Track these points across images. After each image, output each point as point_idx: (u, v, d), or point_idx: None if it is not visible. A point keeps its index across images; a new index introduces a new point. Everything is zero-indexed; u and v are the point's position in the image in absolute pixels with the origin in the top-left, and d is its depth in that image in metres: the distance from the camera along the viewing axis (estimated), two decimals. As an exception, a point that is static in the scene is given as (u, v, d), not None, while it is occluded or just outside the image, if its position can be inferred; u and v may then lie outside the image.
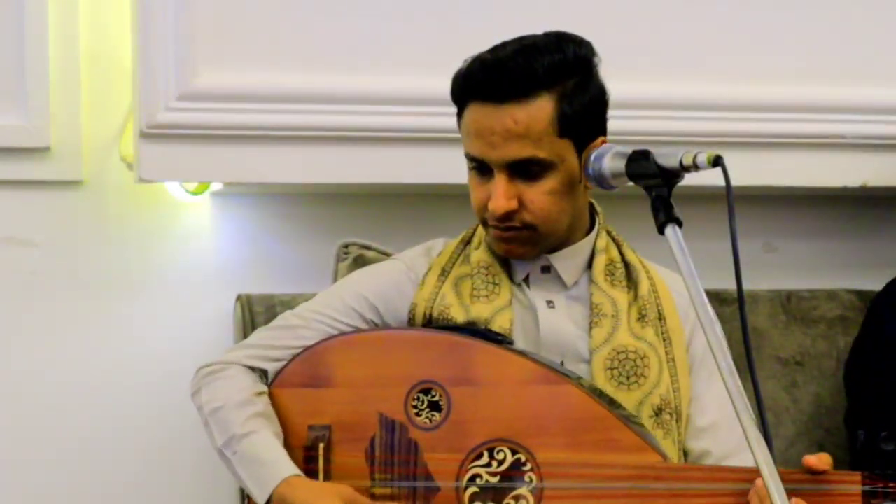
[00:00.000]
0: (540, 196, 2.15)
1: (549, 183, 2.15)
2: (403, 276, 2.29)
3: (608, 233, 2.29)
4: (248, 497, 2.16)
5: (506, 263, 2.26)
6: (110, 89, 2.79)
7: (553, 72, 2.13)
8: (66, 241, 2.80)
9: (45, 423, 2.78)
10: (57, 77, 2.74)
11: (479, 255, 2.26)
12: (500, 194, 2.14)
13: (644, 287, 2.25)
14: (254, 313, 2.72)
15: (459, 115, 2.21)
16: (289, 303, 2.71)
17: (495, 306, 2.21)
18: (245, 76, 2.68)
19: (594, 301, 2.22)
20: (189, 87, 2.65)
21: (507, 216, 2.15)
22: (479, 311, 2.20)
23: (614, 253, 2.27)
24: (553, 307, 2.23)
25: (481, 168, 2.18)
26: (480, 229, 2.29)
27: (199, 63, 2.66)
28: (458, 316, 2.20)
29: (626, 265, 2.27)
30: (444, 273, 2.27)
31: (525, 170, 2.14)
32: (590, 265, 2.26)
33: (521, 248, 2.20)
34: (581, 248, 2.25)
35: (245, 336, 2.67)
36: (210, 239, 2.86)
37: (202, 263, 2.85)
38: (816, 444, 2.84)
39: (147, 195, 2.80)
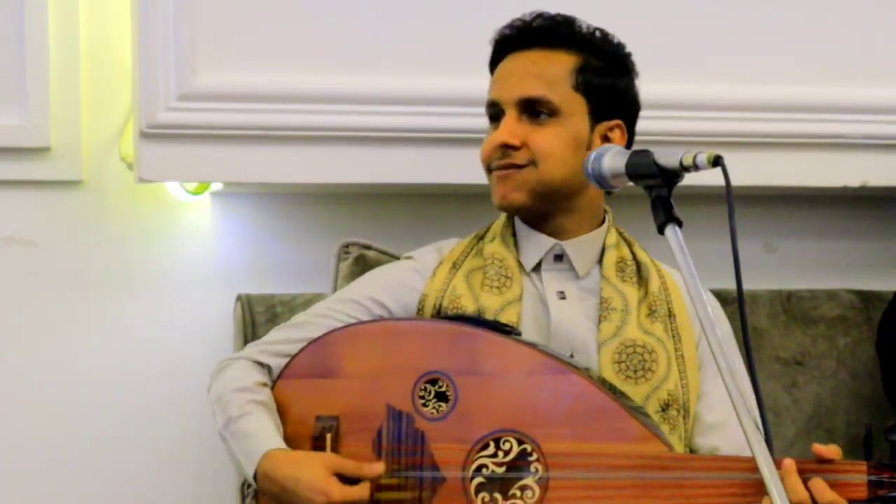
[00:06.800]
0: (544, 136, 2.22)
1: (555, 129, 2.22)
2: (410, 271, 2.31)
3: (619, 232, 2.31)
4: (246, 497, 2.16)
5: (519, 257, 2.27)
6: (110, 89, 2.79)
7: (584, 41, 2.27)
8: (66, 241, 2.80)
9: (44, 423, 2.78)
10: (57, 77, 2.74)
11: (493, 247, 2.28)
12: (505, 128, 2.24)
13: (654, 284, 2.27)
14: (254, 313, 2.72)
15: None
16: (289, 303, 2.72)
17: (505, 299, 2.22)
18: (245, 76, 2.68)
19: (604, 295, 2.24)
20: (189, 87, 2.65)
21: (508, 150, 2.22)
22: (489, 300, 2.22)
23: (625, 251, 2.29)
24: (564, 298, 2.25)
25: (495, 118, 2.27)
26: (495, 225, 2.33)
27: (199, 63, 2.65)
28: (469, 306, 2.23)
29: (637, 263, 2.29)
30: (456, 266, 2.29)
31: (533, 110, 2.23)
32: (600, 260, 2.28)
33: (518, 192, 2.23)
34: (592, 240, 2.28)
35: (245, 336, 2.67)
36: (210, 239, 2.86)
37: (202, 263, 2.85)
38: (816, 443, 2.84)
39: (147, 195, 2.80)
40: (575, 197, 2.26)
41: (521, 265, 2.27)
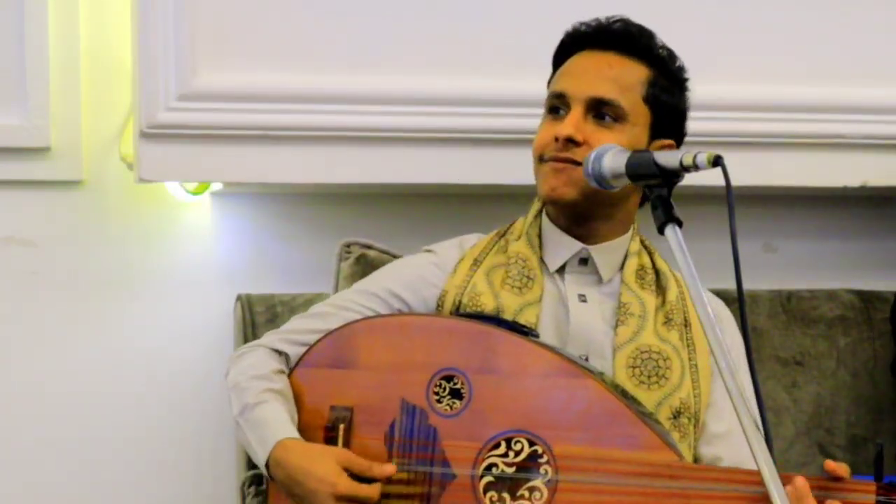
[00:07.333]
0: (607, 139, 2.19)
1: (617, 135, 2.20)
2: (431, 265, 2.31)
3: (641, 241, 2.32)
4: (246, 497, 2.16)
5: (543, 257, 2.27)
6: (110, 89, 2.79)
7: (658, 56, 2.27)
8: (66, 241, 2.80)
9: (44, 423, 2.78)
10: (57, 77, 2.74)
11: (518, 246, 2.28)
12: (570, 122, 2.22)
13: (672, 293, 2.27)
14: (254, 313, 2.72)
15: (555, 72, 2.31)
16: (289, 303, 2.72)
17: (525, 300, 2.22)
18: (245, 76, 2.68)
19: (622, 300, 2.24)
20: (189, 87, 2.65)
21: (570, 144, 2.20)
22: (509, 300, 2.22)
23: (646, 259, 2.30)
24: (585, 301, 2.25)
25: (556, 110, 2.26)
26: (519, 224, 2.32)
27: (199, 63, 2.65)
28: (489, 304, 2.22)
29: (657, 272, 2.29)
30: (477, 263, 2.29)
31: (600, 111, 2.22)
32: (622, 266, 2.28)
33: (570, 188, 2.21)
34: (619, 245, 2.28)
35: (245, 336, 2.67)
36: (210, 239, 2.86)
37: (202, 263, 2.85)
38: (816, 444, 2.84)
39: (147, 195, 2.80)
40: (618, 204, 2.25)
41: (544, 265, 2.27)
